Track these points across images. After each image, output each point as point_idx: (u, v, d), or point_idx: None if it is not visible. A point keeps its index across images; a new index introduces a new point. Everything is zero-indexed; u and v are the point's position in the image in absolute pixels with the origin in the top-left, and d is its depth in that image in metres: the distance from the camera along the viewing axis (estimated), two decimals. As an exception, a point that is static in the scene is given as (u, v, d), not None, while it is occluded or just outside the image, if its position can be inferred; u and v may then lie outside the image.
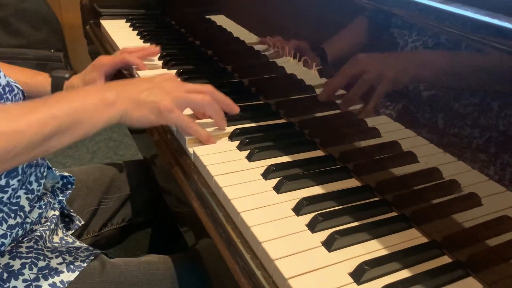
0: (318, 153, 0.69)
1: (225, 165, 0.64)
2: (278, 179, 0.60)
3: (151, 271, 0.70)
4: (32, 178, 0.65)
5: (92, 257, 0.67)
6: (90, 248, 0.69)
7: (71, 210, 0.80)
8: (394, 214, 0.58)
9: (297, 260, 0.49)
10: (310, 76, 0.71)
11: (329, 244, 0.51)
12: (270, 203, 0.57)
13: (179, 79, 0.81)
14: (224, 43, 0.98)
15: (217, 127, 0.72)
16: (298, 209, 0.56)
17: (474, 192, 0.48)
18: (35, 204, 0.66)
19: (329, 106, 0.68)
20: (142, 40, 1.13)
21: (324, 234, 0.52)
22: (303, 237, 0.52)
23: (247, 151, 0.67)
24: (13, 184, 0.60)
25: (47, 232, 0.65)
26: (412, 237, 0.54)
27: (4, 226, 0.59)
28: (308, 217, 0.55)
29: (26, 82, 0.83)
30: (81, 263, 0.65)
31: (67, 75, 0.86)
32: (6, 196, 0.60)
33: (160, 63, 0.98)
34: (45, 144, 0.54)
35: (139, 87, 0.64)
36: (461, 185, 0.49)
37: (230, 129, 0.72)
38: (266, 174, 0.62)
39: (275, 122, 0.78)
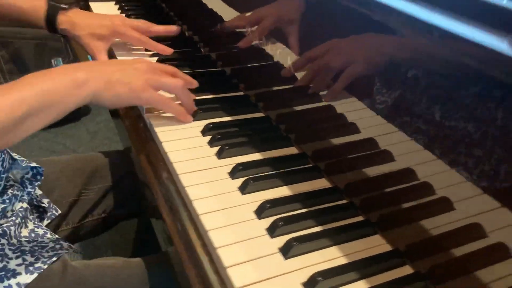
0: (292, 150, 0.67)
1: (193, 162, 0.62)
2: (245, 178, 0.59)
3: (116, 275, 0.69)
4: None
5: (54, 259, 0.66)
6: (57, 246, 0.68)
7: (42, 201, 0.79)
8: (360, 219, 0.56)
9: (251, 267, 0.48)
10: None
11: (286, 251, 0.49)
12: (233, 205, 0.56)
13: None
14: (212, 29, 0.95)
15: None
16: (260, 212, 0.54)
17: (447, 196, 0.45)
18: (-3, 199, 0.65)
19: (306, 98, 0.65)
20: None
21: (283, 240, 0.51)
22: (262, 242, 0.51)
23: (218, 147, 0.65)
24: None
25: (12, 227, 0.65)
26: (375, 244, 0.52)
27: None
28: (269, 221, 0.53)
29: (22, 7, 0.86)
30: (41, 265, 0.64)
31: (65, 6, 0.87)
32: None
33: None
34: (18, 127, 0.54)
35: (111, 68, 0.64)
36: (435, 188, 0.47)
37: (204, 122, 0.71)
38: (233, 173, 0.60)
39: (252, 116, 0.75)
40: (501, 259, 0.40)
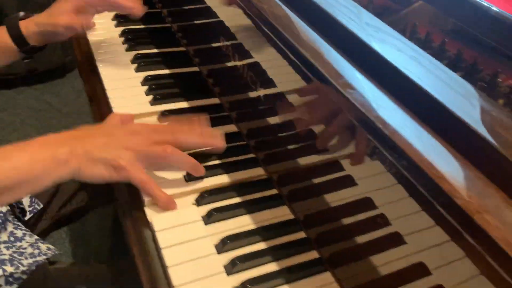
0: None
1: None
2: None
3: (90, 280, 0.74)
4: None
5: (34, 268, 0.70)
6: (36, 252, 0.72)
7: (21, 204, 0.82)
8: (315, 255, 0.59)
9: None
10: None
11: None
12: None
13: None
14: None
15: None
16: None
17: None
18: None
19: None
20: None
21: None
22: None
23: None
24: None
25: None
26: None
27: None
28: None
29: None
30: (21, 275, 0.68)
31: (20, 14, 0.81)
32: None
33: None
34: None
35: (95, 141, 0.59)
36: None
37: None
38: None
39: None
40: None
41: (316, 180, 0.60)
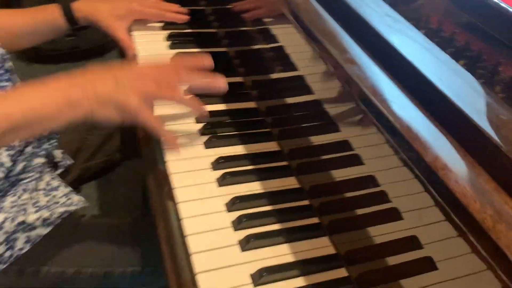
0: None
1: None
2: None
3: (115, 236, 0.82)
4: None
5: (66, 215, 0.79)
6: (68, 202, 0.80)
7: (56, 158, 0.90)
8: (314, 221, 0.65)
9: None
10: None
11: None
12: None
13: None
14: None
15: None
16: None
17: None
18: (17, 158, 0.76)
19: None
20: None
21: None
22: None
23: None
24: None
25: (32, 183, 0.77)
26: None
27: None
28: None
29: (40, 17, 0.90)
30: (55, 220, 0.77)
31: None
32: None
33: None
34: None
35: (105, 85, 0.62)
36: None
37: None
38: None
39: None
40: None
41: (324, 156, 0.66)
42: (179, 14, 0.96)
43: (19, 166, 0.76)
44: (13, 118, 0.58)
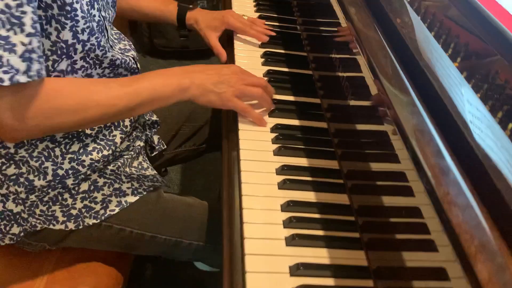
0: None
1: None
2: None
3: (189, 212, 0.96)
4: (127, 121, 0.92)
5: (152, 189, 0.94)
6: (155, 179, 0.96)
7: (155, 143, 1.07)
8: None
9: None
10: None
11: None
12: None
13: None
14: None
15: None
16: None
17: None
18: (125, 139, 0.93)
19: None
20: (255, 9, 1.29)
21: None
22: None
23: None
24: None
25: (129, 159, 0.93)
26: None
27: (100, 155, 0.87)
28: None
29: (162, 10, 1.12)
30: (143, 191, 0.92)
31: (190, 6, 1.13)
32: (102, 134, 0.87)
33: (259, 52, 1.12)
34: (128, 113, 0.80)
35: (209, 78, 0.84)
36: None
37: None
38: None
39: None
40: None
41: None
42: (261, 34, 1.11)
43: (124, 145, 0.93)
44: (143, 96, 0.78)
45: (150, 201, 0.95)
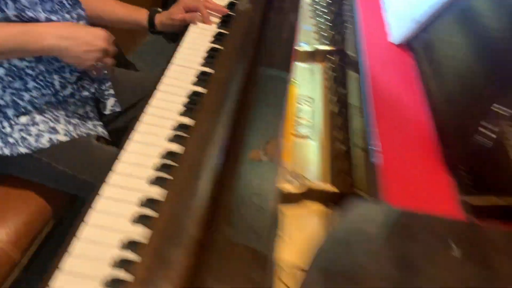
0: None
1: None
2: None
3: (112, 161, 1.06)
4: (67, 69, 1.04)
5: (84, 135, 1.06)
6: (94, 128, 1.08)
7: (108, 102, 1.17)
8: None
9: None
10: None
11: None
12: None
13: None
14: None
15: None
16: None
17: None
18: (67, 86, 1.05)
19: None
20: None
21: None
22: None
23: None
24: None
25: (72, 106, 1.07)
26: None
27: (39, 93, 1.01)
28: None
29: (127, 18, 1.20)
30: (75, 135, 1.04)
31: (159, 10, 1.21)
32: (42, 75, 0.99)
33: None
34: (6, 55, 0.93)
35: (78, 46, 0.94)
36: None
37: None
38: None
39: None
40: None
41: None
42: (208, 16, 1.15)
43: (68, 91, 1.06)
44: (9, 43, 0.89)
45: (79, 145, 1.06)
